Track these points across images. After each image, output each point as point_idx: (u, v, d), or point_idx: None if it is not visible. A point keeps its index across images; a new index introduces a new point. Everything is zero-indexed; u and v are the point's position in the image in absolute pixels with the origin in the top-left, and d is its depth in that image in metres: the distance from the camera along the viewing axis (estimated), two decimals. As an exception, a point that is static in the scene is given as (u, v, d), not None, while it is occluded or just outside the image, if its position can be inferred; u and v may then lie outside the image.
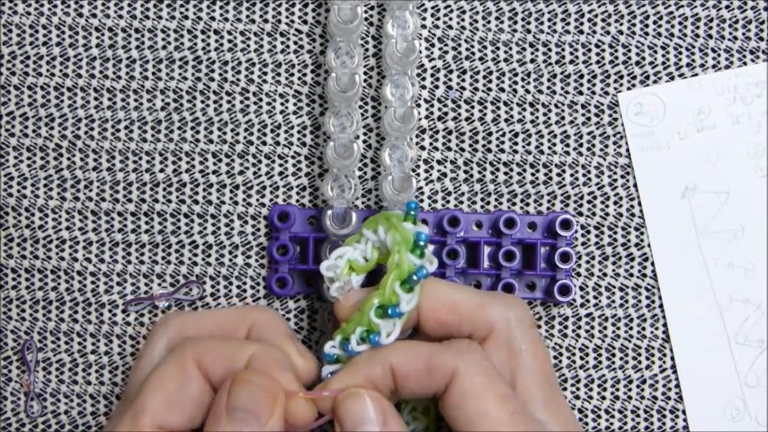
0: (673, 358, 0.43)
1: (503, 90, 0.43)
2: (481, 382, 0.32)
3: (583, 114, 0.43)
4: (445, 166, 0.43)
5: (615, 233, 0.43)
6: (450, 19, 0.43)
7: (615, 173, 0.43)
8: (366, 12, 0.43)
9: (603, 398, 0.43)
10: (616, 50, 0.43)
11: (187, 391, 0.33)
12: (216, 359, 0.34)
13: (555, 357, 0.43)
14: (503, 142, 0.43)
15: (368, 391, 0.33)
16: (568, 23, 0.43)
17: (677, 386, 0.43)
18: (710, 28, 0.44)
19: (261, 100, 0.43)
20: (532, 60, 0.43)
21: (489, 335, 0.35)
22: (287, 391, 0.33)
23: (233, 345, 0.34)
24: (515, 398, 0.33)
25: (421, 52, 0.43)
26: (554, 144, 0.43)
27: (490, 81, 0.43)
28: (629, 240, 0.43)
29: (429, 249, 0.37)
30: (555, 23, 0.43)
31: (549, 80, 0.43)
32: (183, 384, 0.33)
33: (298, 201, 0.43)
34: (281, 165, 0.43)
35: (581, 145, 0.43)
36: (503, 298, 0.36)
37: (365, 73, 0.43)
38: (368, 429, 0.33)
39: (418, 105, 0.43)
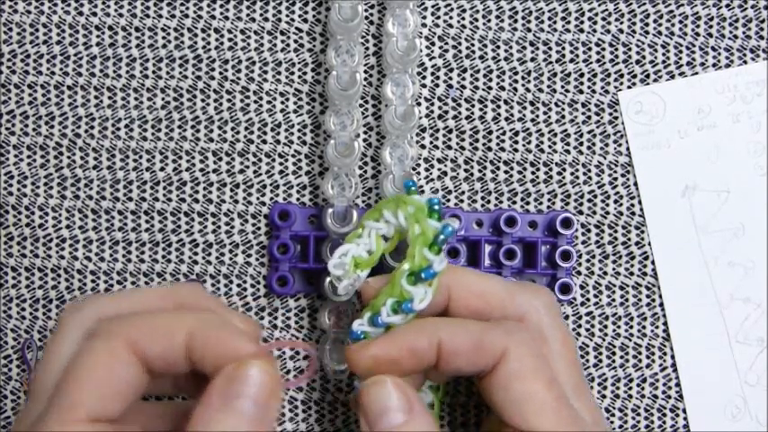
0: (673, 357, 0.43)
1: (503, 89, 0.43)
2: (531, 363, 0.32)
3: (583, 113, 0.43)
4: (446, 165, 0.43)
5: (615, 232, 0.43)
6: (451, 17, 0.43)
7: (615, 171, 0.43)
8: (366, 10, 0.43)
9: (604, 396, 0.43)
10: (616, 49, 0.43)
11: (122, 377, 0.30)
12: (151, 337, 0.31)
13: (555, 356, 0.43)
14: (503, 141, 0.43)
15: (391, 378, 0.32)
16: (569, 22, 0.43)
17: (677, 385, 0.43)
18: (711, 27, 0.44)
19: (261, 98, 0.43)
20: (533, 59, 0.43)
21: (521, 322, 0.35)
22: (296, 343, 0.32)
23: (167, 318, 0.32)
24: (559, 383, 0.33)
25: (421, 51, 0.43)
26: (554, 143, 0.43)
27: (490, 80, 0.43)
28: (629, 239, 0.43)
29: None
30: (555, 22, 0.43)
31: (549, 79, 0.43)
32: (117, 371, 0.30)
33: (298, 199, 0.43)
34: (281, 163, 0.43)
35: (581, 143, 0.43)
36: (529, 286, 0.36)
37: (365, 71, 0.43)
38: (393, 418, 0.32)
39: (419, 104, 0.43)
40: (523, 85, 0.43)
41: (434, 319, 0.34)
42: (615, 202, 0.43)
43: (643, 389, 0.43)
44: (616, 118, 0.43)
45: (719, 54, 0.44)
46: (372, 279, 0.36)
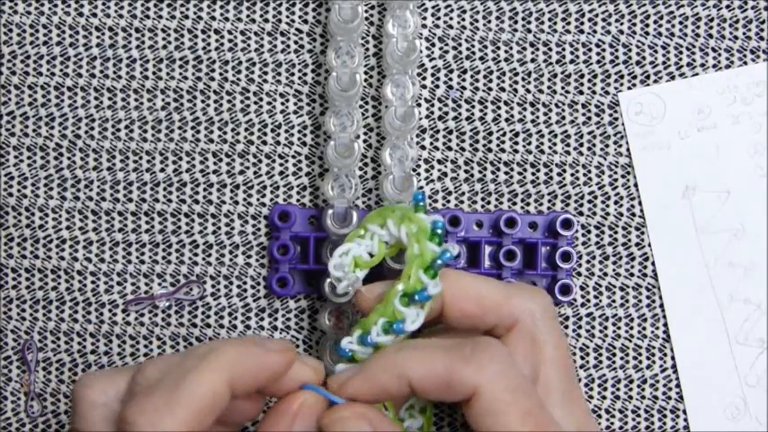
0: (673, 358, 0.43)
1: (503, 90, 0.43)
2: (504, 398, 0.32)
3: (583, 114, 0.43)
4: (446, 166, 0.43)
5: (616, 233, 0.43)
6: (451, 18, 0.43)
7: (616, 172, 0.43)
8: (366, 11, 0.43)
9: (604, 397, 0.43)
10: (616, 50, 0.43)
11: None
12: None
13: (555, 357, 0.43)
14: (503, 142, 0.43)
15: (351, 411, 0.33)
16: (569, 23, 0.43)
17: (678, 386, 0.43)
18: (711, 27, 0.44)
19: (261, 99, 0.43)
20: (533, 60, 0.43)
21: (514, 326, 0.35)
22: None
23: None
24: (539, 410, 0.32)
25: (421, 52, 0.43)
26: (554, 144, 0.43)
27: (491, 81, 0.43)
28: (629, 240, 0.43)
29: None
30: (555, 23, 0.43)
31: (549, 80, 0.43)
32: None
33: (298, 200, 0.43)
34: (281, 164, 0.43)
35: (581, 144, 0.43)
36: (527, 290, 0.36)
37: (366, 72, 0.43)
38: None
39: (419, 105, 0.43)
40: (523, 86, 0.43)
41: (405, 354, 0.33)
42: (615, 203, 0.43)
43: (643, 390, 0.43)
44: (616, 119, 0.43)
45: (720, 55, 0.44)
46: (367, 288, 0.36)
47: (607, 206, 0.43)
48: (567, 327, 0.43)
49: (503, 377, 0.32)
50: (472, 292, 0.35)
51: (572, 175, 0.43)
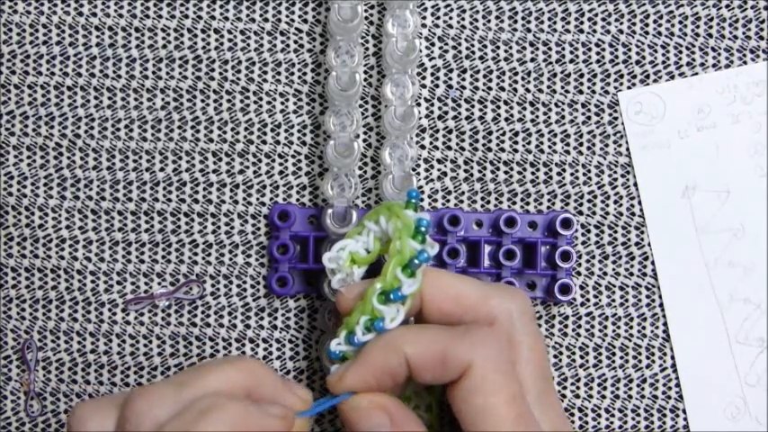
0: (673, 357, 0.43)
1: (503, 89, 0.43)
2: (494, 379, 0.32)
3: (583, 113, 0.43)
4: (445, 165, 0.43)
5: (615, 232, 0.43)
6: (451, 18, 0.43)
7: (615, 172, 0.43)
8: (366, 11, 0.43)
9: (604, 397, 0.43)
10: (616, 49, 0.43)
11: None
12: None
13: (555, 356, 0.43)
14: (503, 141, 0.43)
15: (368, 401, 0.33)
16: (568, 22, 0.43)
17: (677, 385, 0.43)
18: (710, 27, 0.44)
19: (261, 99, 0.43)
20: (532, 59, 0.43)
21: (491, 326, 0.35)
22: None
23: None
24: (522, 398, 0.33)
25: (421, 51, 0.43)
26: (554, 143, 0.43)
27: (490, 80, 0.43)
28: (629, 239, 0.43)
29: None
30: (555, 22, 0.43)
31: (549, 79, 0.43)
32: None
33: (298, 200, 0.43)
34: (281, 164, 0.43)
35: (581, 144, 0.43)
36: (505, 290, 0.36)
37: (365, 72, 0.43)
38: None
39: (418, 104, 0.43)
40: (523, 85, 0.43)
41: (401, 332, 0.34)
42: (615, 202, 0.43)
43: (643, 389, 0.43)
44: (616, 118, 0.43)
45: (719, 54, 0.44)
46: (347, 288, 0.36)
47: (607, 205, 0.43)
48: (566, 326, 0.43)
49: (494, 358, 0.33)
50: (451, 291, 0.35)
51: (572, 174, 0.43)
